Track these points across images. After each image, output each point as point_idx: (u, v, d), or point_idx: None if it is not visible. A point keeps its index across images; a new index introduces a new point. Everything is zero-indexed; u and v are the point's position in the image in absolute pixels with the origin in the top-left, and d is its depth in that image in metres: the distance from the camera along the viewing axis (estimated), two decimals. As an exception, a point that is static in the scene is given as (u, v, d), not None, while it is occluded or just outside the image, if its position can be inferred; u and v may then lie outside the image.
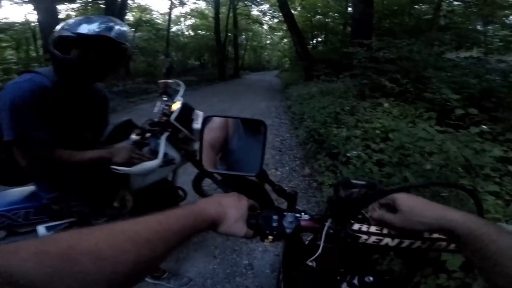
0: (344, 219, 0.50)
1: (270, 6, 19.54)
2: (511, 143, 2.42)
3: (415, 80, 3.90)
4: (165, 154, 1.35)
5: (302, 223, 0.51)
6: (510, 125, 2.66)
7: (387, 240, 0.48)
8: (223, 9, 18.74)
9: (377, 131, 2.75)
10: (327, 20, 16.77)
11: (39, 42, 13.41)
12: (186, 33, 23.67)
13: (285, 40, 24.53)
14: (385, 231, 0.48)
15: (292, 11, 12.14)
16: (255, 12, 22.22)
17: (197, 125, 1.51)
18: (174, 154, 1.44)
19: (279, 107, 6.76)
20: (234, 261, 1.80)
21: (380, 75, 4.35)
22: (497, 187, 1.98)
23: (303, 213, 0.53)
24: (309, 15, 16.40)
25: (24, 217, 1.21)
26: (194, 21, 22.75)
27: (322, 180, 2.71)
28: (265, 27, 25.35)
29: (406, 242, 0.47)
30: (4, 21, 12.13)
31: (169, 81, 1.69)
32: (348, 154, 2.64)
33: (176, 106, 1.47)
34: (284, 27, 18.11)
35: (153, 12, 19.52)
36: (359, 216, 0.52)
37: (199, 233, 0.42)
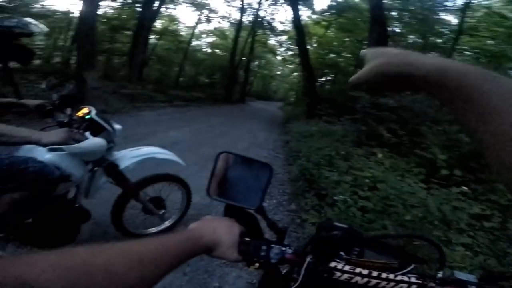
0: (324, 257, 0.58)
1: (287, 38, 20.74)
2: (490, 203, 2.60)
3: (411, 132, 4.09)
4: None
5: (287, 255, 0.59)
6: (491, 186, 2.84)
7: (357, 279, 0.55)
8: (244, 33, 19.98)
9: (366, 180, 2.90)
10: (339, 59, 17.66)
11: (70, 33, 13.99)
12: (204, 49, 24.80)
13: (295, 73, 25.66)
14: (357, 270, 0.56)
15: (308, 46, 12.94)
16: (272, 41, 23.62)
17: (118, 126, 1.66)
18: (77, 167, 1.49)
19: (277, 140, 6.97)
20: (204, 281, 1.82)
21: (379, 123, 4.57)
22: (470, 239, 2.17)
23: (287, 247, 0.60)
24: (323, 52, 17.24)
25: None
26: (214, 39, 23.92)
27: (306, 218, 2.81)
28: (278, 57, 26.68)
29: (373, 282, 0.55)
30: (48, 7, 12.90)
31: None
32: (335, 198, 2.77)
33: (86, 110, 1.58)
34: (297, 60, 19.24)
35: (180, 24, 20.73)
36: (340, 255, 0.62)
37: (194, 257, 0.46)
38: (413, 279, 0.56)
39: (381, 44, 7.61)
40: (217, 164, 0.66)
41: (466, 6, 11.05)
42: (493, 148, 0.24)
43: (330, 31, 16.16)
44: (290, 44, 20.70)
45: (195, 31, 20.28)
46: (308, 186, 3.55)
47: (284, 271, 0.66)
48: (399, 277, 0.55)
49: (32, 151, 1.39)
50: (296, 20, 11.00)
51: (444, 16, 12.82)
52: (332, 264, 0.57)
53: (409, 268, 0.59)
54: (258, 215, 0.65)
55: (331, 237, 0.59)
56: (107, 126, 1.58)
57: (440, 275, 0.59)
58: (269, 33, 21.25)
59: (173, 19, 19.59)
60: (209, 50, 24.56)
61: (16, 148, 1.45)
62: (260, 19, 19.96)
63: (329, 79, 20.98)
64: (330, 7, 12.88)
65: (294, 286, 0.57)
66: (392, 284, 0.54)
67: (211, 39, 24.22)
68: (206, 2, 19.28)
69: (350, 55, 16.13)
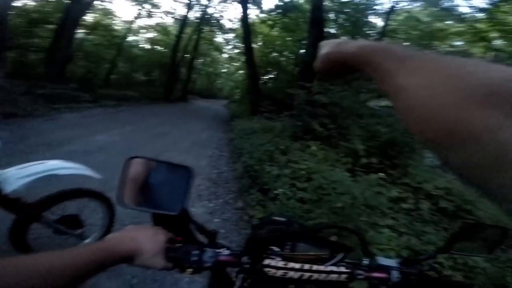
0: (257, 255, 0.58)
1: (235, 36, 20.64)
2: (405, 186, 3.10)
3: (339, 126, 4.57)
4: None
5: (221, 258, 0.58)
6: (406, 171, 3.38)
7: (291, 274, 0.56)
8: (189, 30, 19.14)
9: (303, 172, 3.14)
10: (281, 58, 18.33)
11: None
12: (142, 45, 22.95)
13: (241, 71, 25.87)
14: (290, 265, 0.57)
15: (254, 45, 13.04)
16: (219, 39, 23.23)
17: None
18: None
19: (222, 138, 6.96)
20: (155, 291, 1.73)
21: (313, 118, 4.95)
22: (392, 221, 2.50)
23: (225, 249, 0.60)
24: (267, 50, 17.70)
25: None
26: (155, 35, 22.39)
27: (253, 214, 2.89)
28: (224, 55, 26.47)
29: (306, 275, 0.57)
30: None
31: None
32: (275, 191, 2.92)
33: None
34: (243, 58, 19.34)
35: (116, 18, 18.68)
36: (277, 251, 0.62)
37: (109, 267, 0.46)
38: (342, 269, 0.59)
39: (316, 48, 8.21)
40: (128, 171, 0.61)
41: (391, 10, 12.53)
42: (406, 122, 0.24)
43: (275, 30, 16.68)
44: (237, 42, 20.72)
45: (132, 26, 18.68)
46: (252, 182, 3.66)
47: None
48: (329, 268, 0.58)
49: None
50: (245, 18, 11.05)
51: (373, 19, 14.40)
52: (267, 262, 0.58)
53: (338, 258, 0.62)
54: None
55: (262, 235, 0.62)
56: None
57: (365, 261, 0.64)
58: (217, 30, 20.91)
59: (107, 13, 17.76)
60: (148, 46, 23.02)
61: None
62: (208, 16, 19.46)
63: (272, 77, 21.79)
64: (277, 6, 13.27)
65: None
66: (323, 275, 0.57)
67: (151, 34, 22.72)
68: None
69: (291, 54, 16.84)
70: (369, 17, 13.83)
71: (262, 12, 15.78)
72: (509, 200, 0.19)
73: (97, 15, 16.93)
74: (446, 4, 12.39)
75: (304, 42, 11.91)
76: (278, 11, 12.99)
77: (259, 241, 0.60)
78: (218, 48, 23.41)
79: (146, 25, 21.63)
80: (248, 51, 10.74)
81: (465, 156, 0.20)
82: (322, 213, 2.41)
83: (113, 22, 18.66)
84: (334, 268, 0.59)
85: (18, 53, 12.23)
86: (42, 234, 1.70)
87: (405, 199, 2.93)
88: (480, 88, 0.20)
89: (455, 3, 14.07)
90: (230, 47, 23.18)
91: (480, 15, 12.16)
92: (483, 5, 12.25)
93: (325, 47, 0.36)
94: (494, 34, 14.18)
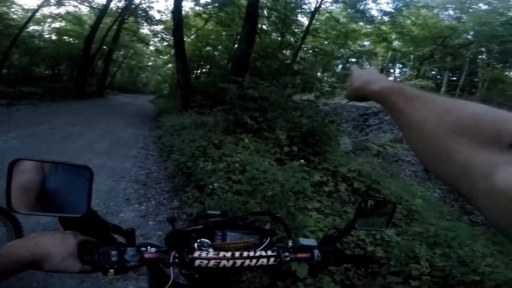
0: (182, 249, 0.59)
1: (164, 28, 19.11)
2: (325, 171, 3.49)
3: (268, 119, 4.82)
4: None
5: (147, 255, 0.58)
6: (325, 157, 3.80)
7: (224, 262, 0.58)
8: (108, 20, 16.79)
9: (237, 165, 3.19)
10: (215, 52, 18.07)
11: None
12: (47, 36, 19.50)
13: (170, 65, 24.40)
14: (221, 254, 0.59)
15: (185, 38, 12.42)
16: (144, 30, 21.11)
17: None
18: None
19: (149, 136, 6.48)
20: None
21: (245, 111, 5.10)
22: (318, 204, 2.78)
23: (149, 247, 0.60)
24: (200, 44, 17.12)
25: None
26: (63, 24, 18.97)
27: (191, 212, 2.81)
28: (151, 48, 24.37)
29: (238, 262, 0.59)
30: None
31: None
32: (210, 186, 2.89)
33: None
34: (172, 51, 18.19)
35: (14, 6, 15.21)
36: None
37: (10, 275, 0.44)
38: (269, 252, 0.63)
39: (251, 39, 8.30)
40: (15, 174, 0.56)
41: (316, 10, 13.43)
42: (412, 150, 0.33)
43: (210, 24, 16.27)
44: (165, 34, 19.26)
45: (35, 15, 15.30)
46: (187, 180, 3.54)
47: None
48: (258, 253, 0.62)
49: None
50: (177, 10, 10.39)
51: (301, 18, 15.39)
52: (196, 254, 0.59)
53: (266, 243, 0.66)
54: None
55: (182, 229, 0.61)
56: None
57: (290, 243, 0.69)
58: (143, 21, 18.93)
59: (3, 0, 14.20)
60: (53, 37, 19.46)
61: None
62: (134, 6, 17.42)
63: (204, 72, 21.30)
64: (214, 0, 12.87)
65: (168, 284, 0.58)
66: (254, 260, 0.61)
67: (58, 24, 19.17)
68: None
69: (224, 49, 16.75)
70: (298, 15, 14.87)
71: (197, 5, 15.18)
72: (473, 202, 0.25)
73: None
74: (361, 7, 14.20)
75: (238, 37, 12.05)
76: (215, 5, 12.71)
77: (180, 235, 0.60)
78: (144, 40, 21.40)
79: (53, 14, 18.27)
80: (179, 44, 10.27)
81: (444, 169, 0.28)
82: (256, 203, 2.51)
83: (10, 10, 15.35)
84: (263, 253, 0.62)
85: None
86: None
87: (326, 182, 3.30)
88: (461, 121, 0.27)
89: (368, 6, 16.29)
90: (157, 39, 21.50)
91: (386, 18, 14.36)
92: (389, 9, 14.20)
93: (356, 79, 0.45)
94: (393, 36, 17.18)
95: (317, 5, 13.37)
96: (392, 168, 8.33)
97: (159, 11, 24.61)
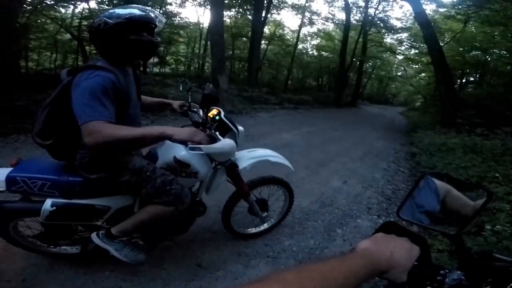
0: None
1: (409, 35, 18.18)
2: None
3: None
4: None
5: (464, 282, 0.57)
6: None
7: None
8: (352, 33, 18.79)
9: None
10: (487, 57, 14.21)
11: (202, 42, 17.39)
12: (310, 52, 24.73)
13: (423, 74, 22.03)
14: None
15: (441, 43, 10.96)
16: (388, 40, 21.14)
17: (241, 127, 1.69)
18: (205, 165, 1.56)
19: (400, 151, 6.18)
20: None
21: None
22: None
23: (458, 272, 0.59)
24: (462, 49, 14.29)
25: (39, 188, 1.34)
26: (319, 41, 23.56)
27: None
28: (399, 57, 23.62)
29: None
30: (184, 20, 16.26)
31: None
32: (488, 227, 2.29)
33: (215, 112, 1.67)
34: (424, 60, 16.54)
35: (285, 28, 21.65)
36: None
37: (368, 280, 0.44)
38: None
39: None
40: (419, 185, 0.69)
41: None
42: None
43: (470, 25, 13.08)
44: (413, 41, 17.89)
45: (299, 34, 20.37)
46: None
47: None
48: None
49: (173, 149, 1.49)
50: (420, 15, 9.46)
51: None
52: None
53: None
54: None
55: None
56: (233, 127, 1.65)
57: None
58: (384, 31, 19.08)
59: (278, 24, 20.47)
60: (315, 53, 24.27)
61: (160, 143, 1.54)
62: (370, 17, 18.21)
63: (472, 81, 17.02)
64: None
65: None
66: None
67: (316, 41, 23.89)
68: (307, 4, 19.11)
69: (504, 52, 12.69)
70: None
71: (440, 6, 12.62)
72: None
73: (270, 26, 19.82)
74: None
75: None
76: (469, 3, 9.88)
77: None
78: (391, 49, 20.87)
79: (310, 32, 22.83)
80: (435, 51, 8.91)
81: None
82: None
83: (284, 32, 21.24)
84: None
85: (228, 63, 16.76)
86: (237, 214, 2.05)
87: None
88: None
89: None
90: (403, 47, 20.10)
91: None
92: None
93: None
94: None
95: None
96: None
97: (398, 19, 22.72)
